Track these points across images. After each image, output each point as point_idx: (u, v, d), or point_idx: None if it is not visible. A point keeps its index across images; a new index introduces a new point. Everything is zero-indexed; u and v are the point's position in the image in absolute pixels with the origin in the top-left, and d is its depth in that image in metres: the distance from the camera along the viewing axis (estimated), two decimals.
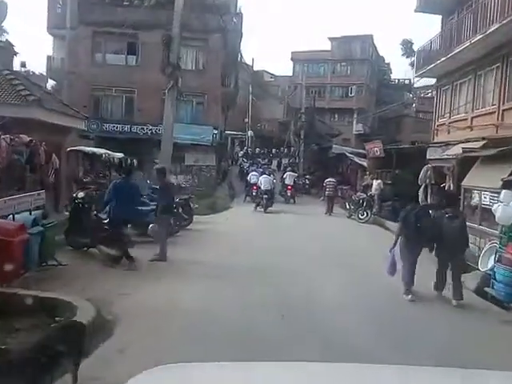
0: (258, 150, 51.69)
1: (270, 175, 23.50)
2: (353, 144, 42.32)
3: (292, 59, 56.04)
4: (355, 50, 52.89)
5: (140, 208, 10.23)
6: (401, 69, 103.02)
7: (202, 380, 1.73)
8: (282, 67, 54.81)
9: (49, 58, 28.57)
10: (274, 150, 52.12)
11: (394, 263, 7.83)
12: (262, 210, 20.42)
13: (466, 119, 16.04)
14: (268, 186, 20.99)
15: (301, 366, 1.94)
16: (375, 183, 19.40)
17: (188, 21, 23.96)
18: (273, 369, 1.94)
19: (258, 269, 9.24)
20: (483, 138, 12.76)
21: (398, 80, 60.22)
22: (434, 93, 19.38)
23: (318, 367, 1.97)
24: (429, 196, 14.48)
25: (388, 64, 64.14)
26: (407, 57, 63.07)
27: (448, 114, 17.86)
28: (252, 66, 46.95)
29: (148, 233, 9.92)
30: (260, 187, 21.19)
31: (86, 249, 9.54)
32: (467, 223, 8.67)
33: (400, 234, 7.99)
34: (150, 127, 24.12)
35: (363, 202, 17.94)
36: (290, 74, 55.80)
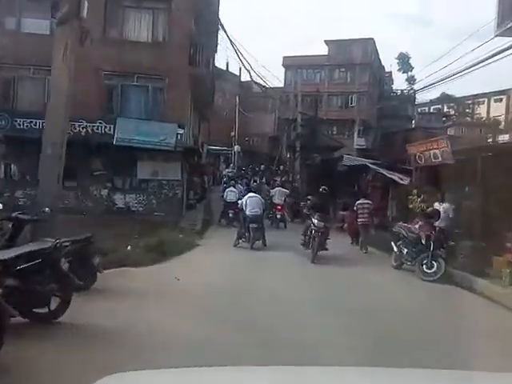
0: (244, 167, 44.95)
1: (257, 193, 15.32)
2: None
3: (284, 65, 49.50)
4: (355, 55, 46.49)
5: None
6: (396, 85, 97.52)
7: None
8: (272, 80, 49.46)
9: None
10: (263, 167, 45.22)
11: None
12: (248, 243, 13.35)
13: None
14: (257, 210, 13.60)
15: (257, 371, 1.91)
16: (440, 209, 11.37)
17: None
18: (235, 374, 1.84)
19: None
20: None
21: (402, 91, 54.43)
22: None
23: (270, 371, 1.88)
24: None
25: (390, 73, 58.14)
26: (403, 72, 57.14)
27: None
28: (240, 77, 40.85)
29: None
30: (243, 210, 13.72)
31: None
32: None
33: None
34: (85, 124, 16.75)
35: (428, 241, 9.98)
36: (282, 85, 49.27)
